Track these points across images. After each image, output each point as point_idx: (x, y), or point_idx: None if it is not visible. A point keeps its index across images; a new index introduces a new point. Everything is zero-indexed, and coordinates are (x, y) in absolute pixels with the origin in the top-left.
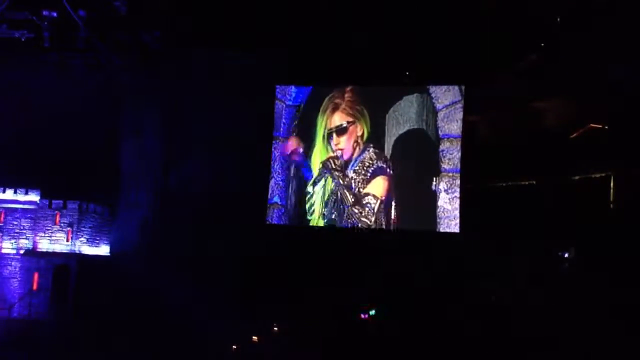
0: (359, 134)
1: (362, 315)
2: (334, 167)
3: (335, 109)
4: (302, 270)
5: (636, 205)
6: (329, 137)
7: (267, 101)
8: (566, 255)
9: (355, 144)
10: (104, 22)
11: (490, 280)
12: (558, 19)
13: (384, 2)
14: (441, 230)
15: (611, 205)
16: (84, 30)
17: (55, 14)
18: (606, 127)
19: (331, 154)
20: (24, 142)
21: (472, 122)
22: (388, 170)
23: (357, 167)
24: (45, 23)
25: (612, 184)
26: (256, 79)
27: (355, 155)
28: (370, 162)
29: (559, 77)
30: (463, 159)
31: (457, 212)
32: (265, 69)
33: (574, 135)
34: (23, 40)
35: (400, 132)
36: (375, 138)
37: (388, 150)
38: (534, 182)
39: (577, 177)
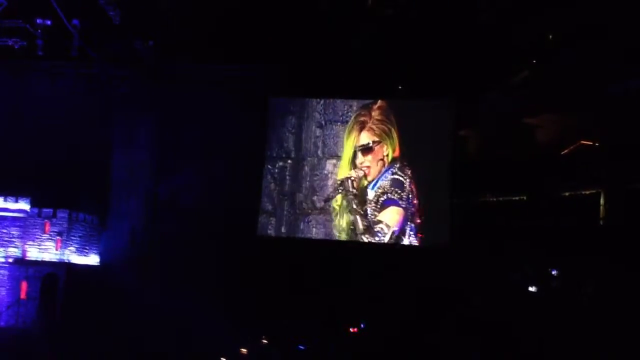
0: (385, 153)
1: (352, 329)
2: (350, 188)
3: (362, 127)
4: (292, 281)
5: (625, 222)
6: (354, 155)
7: (260, 114)
8: (554, 272)
9: (380, 163)
10: (97, 31)
11: (480, 295)
12: (550, 36)
13: (377, 16)
14: None
15: (601, 222)
16: (78, 40)
17: (49, 23)
18: (597, 144)
19: (352, 175)
20: (14, 150)
21: (464, 136)
22: (402, 202)
23: (377, 190)
24: (39, 31)
25: (602, 200)
26: (249, 90)
27: (379, 174)
28: (388, 189)
29: (551, 94)
30: (453, 174)
31: None
32: (258, 81)
33: (565, 151)
34: (16, 48)
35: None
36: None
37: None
38: (524, 198)
39: (567, 194)
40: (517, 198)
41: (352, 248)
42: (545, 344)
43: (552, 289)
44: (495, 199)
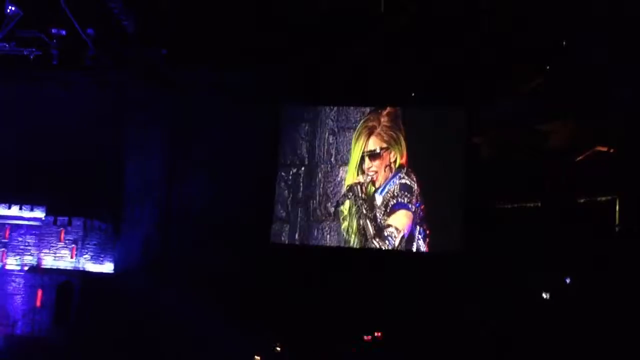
0: (392, 160)
1: (366, 337)
2: (360, 194)
3: (370, 133)
4: (306, 289)
5: None
6: (361, 160)
7: (271, 120)
8: (568, 280)
9: (387, 169)
10: (111, 40)
11: (493, 302)
12: (564, 43)
13: (388, 23)
14: None
15: (616, 229)
16: (92, 49)
17: (64, 32)
18: (612, 150)
19: (360, 180)
20: (29, 159)
21: (477, 143)
22: (411, 206)
23: (386, 195)
24: (54, 41)
25: (617, 207)
26: (261, 97)
27: (386, 180)
28: (398, 193)
29: (565, 100)
30: (466, 180)
31: None
32: (270, 87)
33: (580, 158)
34: (31, 57)
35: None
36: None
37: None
38: (539, 205)
39: (582, 200)
40: (531, 205)
41: (365, 255)
42: (558, 350)
43: (566, 295)
44: (509, 206)
